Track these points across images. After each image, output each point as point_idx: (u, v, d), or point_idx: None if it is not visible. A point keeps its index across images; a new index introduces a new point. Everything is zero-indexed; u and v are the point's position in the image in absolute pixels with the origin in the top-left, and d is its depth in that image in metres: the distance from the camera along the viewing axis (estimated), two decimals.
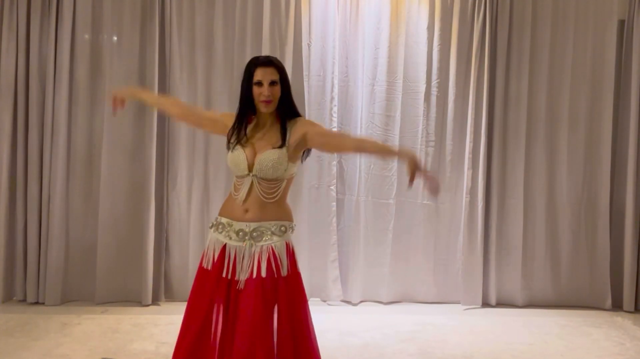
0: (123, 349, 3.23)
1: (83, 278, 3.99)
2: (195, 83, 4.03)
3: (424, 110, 4.13)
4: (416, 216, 4.18)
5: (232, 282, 2.13)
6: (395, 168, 4.12)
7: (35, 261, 3.90)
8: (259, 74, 2.16)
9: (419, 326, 3.74)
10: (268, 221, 2.16)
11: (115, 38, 3.97)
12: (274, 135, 2.19)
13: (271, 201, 2.16)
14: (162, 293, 4.07)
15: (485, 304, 4.17)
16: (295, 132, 2.19)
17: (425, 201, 4.17)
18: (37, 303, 3.92)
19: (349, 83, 4.13)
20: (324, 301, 4.16)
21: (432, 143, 4.15)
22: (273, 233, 2.16)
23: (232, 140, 2.21)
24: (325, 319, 3.76)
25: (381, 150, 2.54)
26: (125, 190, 3.99)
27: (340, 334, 3.54)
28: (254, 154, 2.16)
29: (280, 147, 2.15)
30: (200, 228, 4.09)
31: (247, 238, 2.15)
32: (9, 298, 3.96)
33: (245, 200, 2.15)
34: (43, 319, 3.63)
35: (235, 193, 2.18)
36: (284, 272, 2.15)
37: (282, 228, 2.19)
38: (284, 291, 2.14)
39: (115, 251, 3.98)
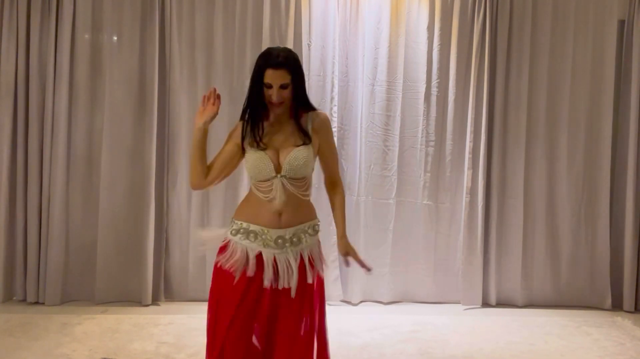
0: (123, 349, 3.23)
1: (83, 278, 4.00)
2: (195, 83, 4.03)
3: (424, 110, 4.13)
4: (416, 216, 4.18)
5: (273, 291, 2.04)
6: (395, 168, 4.12)
7: (35, 261, 3.90)
8: (269, 76, 1.99)
9: (419, 326, 3.74)
10: (303, 223, 2.10)
11: (115, 38, 3.97)
12: (292, 131, 2.09)
13: (306, 199, 2.10)
14: (162, 293, 4.07)
15: (485, 304, 4.17)
16: (317, 132, 2.11)
17: (425, 201, 4.17)
18: (37, 303, 3.92)
19: (349, 83, 4.12)
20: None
21: (432, 143, 4.15)
22: (310, 235, 2.12)
23: (247, 144, 2.07)
24: None
25: (338, 218, 2.26)
26: (125, 190, 3.99)
27: (340, 334, 3.54)
28: (277, 154, 2.05)
29: (306, 144, 2.06)
30: (200, 228, 4.09)
31: (287, 244, 2.05)
32: (9, 298, 3.96)
33: (278, 202, 2.03)
34: (43, 319, 3.63)
35: (266, 196, 2.04)
36: (322, 273, 2.15)
37: (316, 228, 2.15)
38: (319, 292, 2.14)
39: (115, 251, 3.98)
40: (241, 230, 2.06)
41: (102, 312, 3.82)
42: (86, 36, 3.94)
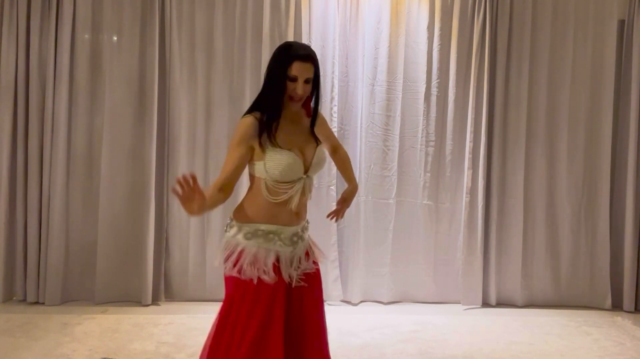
0: (123, 349, 3.23)
1: (83, 278, 4.00)
2: (195, 83, 4.03)
3: (424, 110, 4.13)
4: (416, 216, 4.18)
5: (293, 288, 2.05)
6: (395, 168, 4.12)
7: (35, 261, 3.90)
8: (296, 69, 1.92)
9: (419, 326, 3.74)
10: (304, 219, 2.15)
11: (115, 38, 3.97)
12: (306, 130, 2.09)
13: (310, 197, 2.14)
14: (162, 293, 4.07)
15: (485, 304, 4.17)
16: (319, 132, 2.15)
17: (425, 201, 4.17)
18: (37, 303, 3.92)
19: (349, 83, 4.13)
20: (324, 301, 4.16)
21: (432, 143, 4.15)
22: (307, 230, 2.17)
23: (266, 143, 1.96)
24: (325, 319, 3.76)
25: (348, 175, 2.41)
26: (125, 190, 3.99)
27: (340, 334, 3.54)
28: (302, 154, 2.02)
29: (319, 142, 2.10)
30: (200, 228, 4.09)
31: (299, 241, 2.08)
32: (9, 298, 3.96)
33: (296, 203, 2.01)
34: (43, 319, 3.63)
35: (276, 198, 1.97)
36: (319, 262, 2.20)
37: (308, 222, 2.21)
38: (320, 282, 2.21)
39: (115, 251, 3.98)
40: (259, 232, 2.00)
41: (102, 312, 3.82)
42: (86, 36, 3.94)
